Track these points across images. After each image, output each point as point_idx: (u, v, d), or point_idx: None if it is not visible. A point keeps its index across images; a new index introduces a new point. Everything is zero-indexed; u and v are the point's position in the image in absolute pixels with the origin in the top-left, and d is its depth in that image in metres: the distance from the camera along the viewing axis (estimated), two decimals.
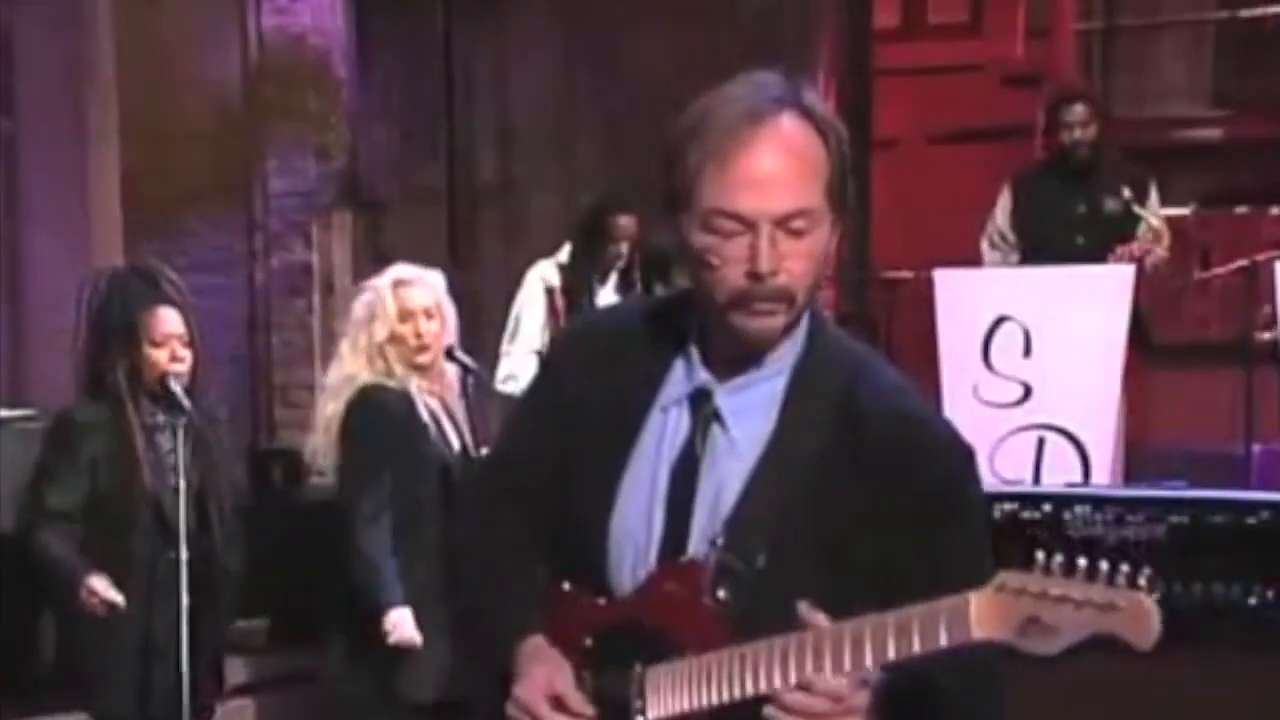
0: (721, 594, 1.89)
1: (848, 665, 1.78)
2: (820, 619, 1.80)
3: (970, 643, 1.74)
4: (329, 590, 4.53)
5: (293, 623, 4.81)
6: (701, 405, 1.96)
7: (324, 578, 4.58)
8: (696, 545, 1.94)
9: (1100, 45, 10.08)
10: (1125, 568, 1.68)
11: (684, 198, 1.89)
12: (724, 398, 1.96)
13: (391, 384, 4.42)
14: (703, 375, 1.97)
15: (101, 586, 4.12)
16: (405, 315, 4.43)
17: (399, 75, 8.63)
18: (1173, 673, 4.20)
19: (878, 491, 1.89)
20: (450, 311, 4.54)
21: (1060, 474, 5.33)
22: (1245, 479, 6.21)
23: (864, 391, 1.94)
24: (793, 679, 1.80)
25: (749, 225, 1.86)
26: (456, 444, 4.47)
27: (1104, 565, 1.68)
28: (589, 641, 1.99)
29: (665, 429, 1.98)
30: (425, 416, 4.42)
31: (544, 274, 6.22)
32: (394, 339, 4.42)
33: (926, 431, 1.95)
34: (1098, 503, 4.35)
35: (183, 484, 4.16)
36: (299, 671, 5.31)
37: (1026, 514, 4.31)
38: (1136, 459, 6.16)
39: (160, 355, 4.26)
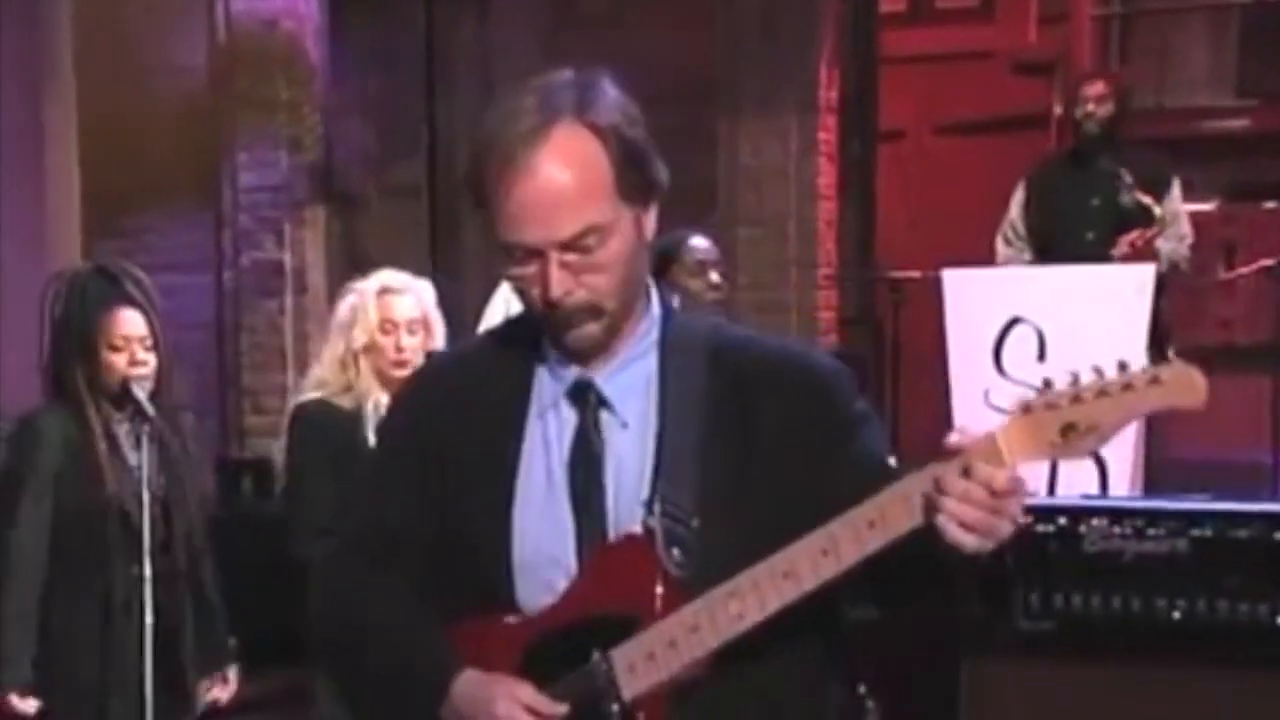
0: (676, 556, 1.96)
1: (871, 546, 1.86)
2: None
3: None
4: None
5: (265, 643, 4.80)
6: (585, 396, 2.06)
7: (300, 594, 4.57)
8: (621, 526, 2.01)
9: (1119, 31, 10.09)
10: (1144, 360, 1.81)
11: (491, 219, 1.99)
12: (604, 383, 2.06)
13: (341, 401, 4.41)
14: (575, 370, 2.07)
15: (16, 699, 4.13)
16: (387, 326, 4.43)
17: (377, 63, 8.62)
18: (1198, 694, 4.20)
19: (781, 431, 2.01)
20: (439, 325, 4.53)
21: (1076, 485, 5.32)
22: (1273, 490, 6.21)
23: (728, 347, 2.09)
24: (809, 584, 1.89)
25: (537, 254, 1.97)
26: None
27: (1120, 364, 1.80)
28: (520, 660, 2.02)
29: (548, 433, 2.07)
30: (370, 439, 4.35)
31: None
32: (371, 349, 4.42)
33: (807, 363, 2.12)
34: (1116, 515, 4.34)
35: (146, 495, 4.14)
36: (272, 695, 5.29)
37: (1040, 527, 4.31)
38: (1157, 469, 6.17)
39: (119, 359, 4.24)
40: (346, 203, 8.59)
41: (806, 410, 2.03)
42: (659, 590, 1.96)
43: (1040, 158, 6.90)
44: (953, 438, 1.84)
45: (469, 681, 2.02)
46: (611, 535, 2.01)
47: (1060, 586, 4.33)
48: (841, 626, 2.09)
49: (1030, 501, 1.87)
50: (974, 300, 5.90)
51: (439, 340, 4.52)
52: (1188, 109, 9.53)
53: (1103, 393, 1.78)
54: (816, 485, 1.97)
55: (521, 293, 2.03)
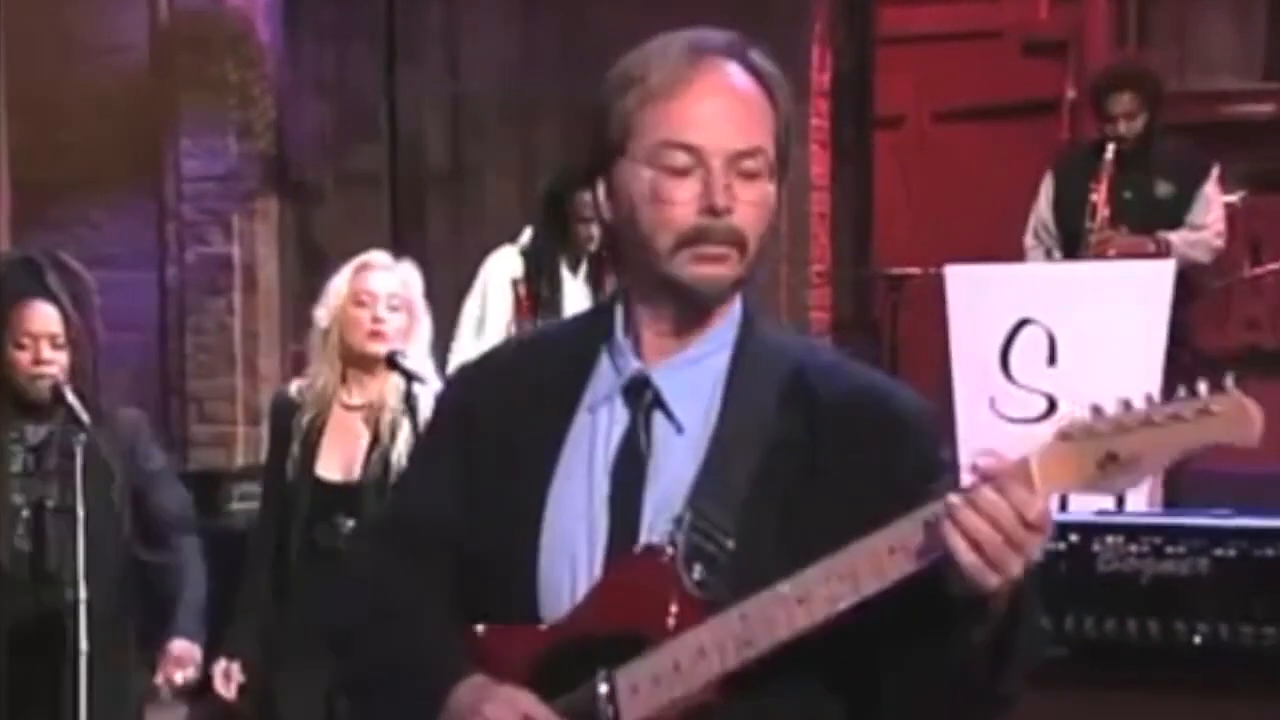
0: (697, 574, 1.96)
1: (895, 573, 1.85)
2: None
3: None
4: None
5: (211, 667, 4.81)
6: (639, 394, 2.06)
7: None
8: (652, 537, 2.00)
9: (1137, 9, 10.09)
10: (1201, 385, 1.77)
11: (621, 142, 2.02)
12: (663, 379, 2.05)
13: (292, 392, 4.48)
14: (634, 363, 2.06)
15: None
16: (363, 298, 4.39)
17: (333, 41, 8.61)
18: None
19: (850, 467, 2.00)
20: (425, 316, 4.51)
21: (1090, 501, 5.34)
22: None
23: (811, 368, 2.07)
24: (822, 613, 1.87)
25: (701, 160, 1.99)
26: (355, 471, 4.43)
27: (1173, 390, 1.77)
28: (529, 673, 2.02)
29: (596, 430, 2.07)
30: (298, 434, 4.43)
31: (510, 264, 6.20)
32: (342, 323, 4.38)
33: (891, 401, 2.08)
34: (1132, 533, 4.35)
35: (80, 510, 4.11)
36: None
37: (1051, 546, 4.30)
38: (1177, 483, 6.17)
39: (22, 356, 4.22)
40: (301, 192, 8.57)
41: (880, 451, 2.01)
42: (673, 609, 1.96)
43: (1064, 148, 6.88)
44: (981, 460, 1.83)
45: (470, 687, 2.03)
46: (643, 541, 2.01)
47: (1072, 609, 4.33)
48: (864, 659, 2.05)
49: None
50: (979, 300, 5.90)
51: (424, 330, 4.49)
52: (1210, 92, 9.52)
53: (1148, 421, 1.76)
54: (873, 529, 1.93)
55: (653, 207, 2.00)
